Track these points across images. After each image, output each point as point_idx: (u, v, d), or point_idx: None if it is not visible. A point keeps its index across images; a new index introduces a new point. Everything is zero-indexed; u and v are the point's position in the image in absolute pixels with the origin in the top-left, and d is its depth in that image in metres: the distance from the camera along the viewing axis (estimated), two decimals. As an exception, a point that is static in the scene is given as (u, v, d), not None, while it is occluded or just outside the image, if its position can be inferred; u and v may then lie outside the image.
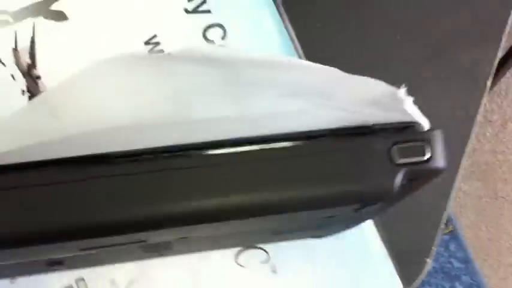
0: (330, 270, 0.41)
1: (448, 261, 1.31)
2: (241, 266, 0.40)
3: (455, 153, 0.42)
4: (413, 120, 0.30)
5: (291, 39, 0.42)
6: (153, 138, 0.29)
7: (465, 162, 0.42)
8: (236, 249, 0.40)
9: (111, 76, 0.32)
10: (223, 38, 0.41)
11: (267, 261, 0.40)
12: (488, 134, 1.34)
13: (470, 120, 0.43)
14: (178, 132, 0.30)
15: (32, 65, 0.39)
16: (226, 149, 0.28)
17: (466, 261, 1.31)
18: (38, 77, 0.39)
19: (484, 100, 0.43)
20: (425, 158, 0.29)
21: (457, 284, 1.30)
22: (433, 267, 1.30)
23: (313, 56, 0.40)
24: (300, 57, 0.42)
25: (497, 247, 1.35)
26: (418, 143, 0.29)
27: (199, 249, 0.39)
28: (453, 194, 0.42)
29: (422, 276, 0.41)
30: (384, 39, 0.44)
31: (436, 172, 0.30)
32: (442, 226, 0.42)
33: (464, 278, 1.30)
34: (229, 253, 0.39)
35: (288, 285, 0.40)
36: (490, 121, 1.34)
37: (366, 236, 0.42)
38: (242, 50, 0.40)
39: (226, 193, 0.28)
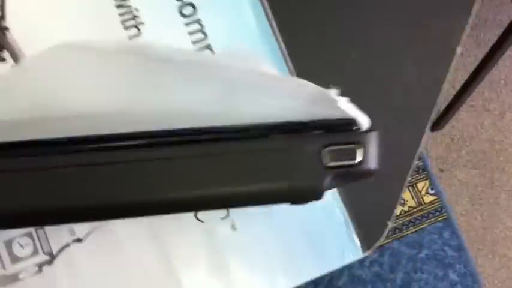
0: (288, 230, 0.41)
1: (441, 248, 1.30)
2: (201, 221, 0.40)
3: (420, 118, 0.42)
4: (350, 118, 0.30)
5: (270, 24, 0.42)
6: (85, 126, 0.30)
7: (430, 134, 0.42)
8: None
9: (62, 62, 0.33)
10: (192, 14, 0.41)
11: (226, 217, 0.40)
12: (486, 123, 1.33)
13: (437, 86, 0.43)
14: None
15: (1, 16, 0.39)
16: (162, 142, 0.29)
17: (460, 249, 1.30)
18: (6, 28, 0.39)
19: (453, 67, 0.43)
20: (356, 161, 0.29)
21: (450, 272, 1.29)
22: (426, 255, 1.30)
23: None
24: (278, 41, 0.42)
25: (492, 237, 1.35)
26: (350, 146, 0.29)
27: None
28: (417, 157, 0.42)
29: (382, 239, 0.41)
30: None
31: (368, 174, 0.29)
32: (405, 187, 0.42)
33: (458, 267, 1.29)
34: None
35: (247, 242, 0.40)
36: (488, 110, 1.33)
37: (326, 198, 0.42)
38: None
39: (155, 187, 0.28)
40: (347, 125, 0.30)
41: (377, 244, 0.41)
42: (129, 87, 0.34)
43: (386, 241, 1.28)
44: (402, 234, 1.29)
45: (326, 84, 0.40)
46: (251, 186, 0.28)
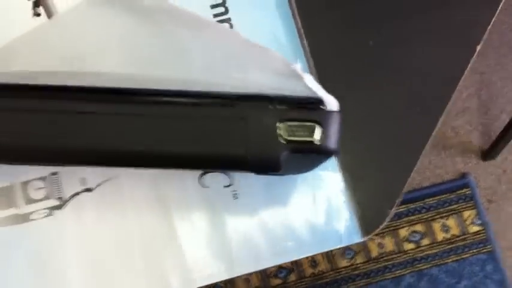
0: (289, 205, 0.42)
1: (482, 282, 1.26)
2: (204, 186, 0.41)
3: (431, 110, 0.43)
4: (315, 97, 0.31)
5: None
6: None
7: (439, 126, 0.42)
8: (200, 171, 0.42)
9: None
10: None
11: (229, 185, 0.42)
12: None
13: (452, 79, 0.43)
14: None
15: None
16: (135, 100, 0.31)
17: (503, 285, 1.26)
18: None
19: (470, 64, 0.43)
20: (315, 139, 0.30)
21: (489, 306, 1.26)
22: (465, 286, 1.26)
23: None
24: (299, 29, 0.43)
25: (538, 275, 1.29)
26: (308, 123, 0.30)
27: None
28: (427, 146, 0.42)
29: (383, 225, 0.42)
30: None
31: (327, 153, 0.30)
32: (409, 177, 0.42)
33: (498, 303, 1.25)
34: (194, 173, 0.41)
35: (247, 211, 0.42)
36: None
37: (328, 179, 0.43)
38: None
39: (123, 141, 0.30)
40: (313, 103, 0.31)
41: (377, 231, 0.42)
42: (144, 47, 0.36)
43: (424, 265, 1.25)
44: (442, 262, 1.26)
45: (342, 73, 0.42)
46: (211, 149, 0.29)
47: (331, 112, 0.30)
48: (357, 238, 0.42)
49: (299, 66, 0.32)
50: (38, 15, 0.42)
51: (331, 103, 0.31)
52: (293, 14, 0.43)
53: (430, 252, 1.24)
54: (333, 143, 0.29)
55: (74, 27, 0.38)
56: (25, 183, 0.41)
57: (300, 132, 0.29)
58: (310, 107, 0.30)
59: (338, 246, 0.42)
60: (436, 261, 1.25)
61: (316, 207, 0.42)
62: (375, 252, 1.23)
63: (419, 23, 0.44)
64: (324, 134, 0.29)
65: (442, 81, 0.43)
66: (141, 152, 0.30)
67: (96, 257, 0.41)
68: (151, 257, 0.41)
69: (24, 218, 0.41)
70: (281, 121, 0.29)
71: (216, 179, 0.42)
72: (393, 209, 0.42)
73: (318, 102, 0.31)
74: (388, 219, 0.42)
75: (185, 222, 0.41)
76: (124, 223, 0.41)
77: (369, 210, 0.42)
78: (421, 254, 1.24)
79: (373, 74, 0.43)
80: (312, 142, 0.29)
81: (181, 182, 0.41)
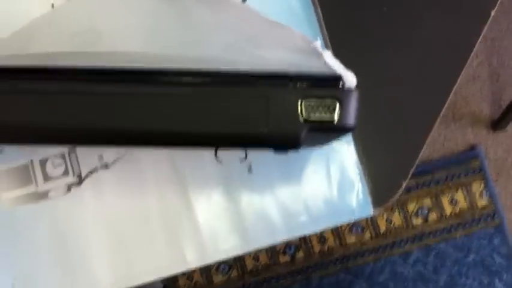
0: (302, 179, 0.43)
1: (490, 255, 1.27)
2: (219, 161, 0.42)
3: (446, 78, 0.43)
4: (335, 74, 0.32)
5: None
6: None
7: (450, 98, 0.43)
8: (216, 146, 0.42)
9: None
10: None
11: (244, 160, 0.42)
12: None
13: (466, 47, 0.43)
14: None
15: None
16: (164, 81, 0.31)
17: (509, 258, 1.27)
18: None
19: (484, 29, 0.43)
20: (334, 117, 0.30)
21: (496, 280, 1.26)
22: (473, 259, 1.27)
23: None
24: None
25: (546, 249, 1.30)
26: (329, 101, 0.30)
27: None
28: (439, 118, 0.42)
29: (395, 198, 0.42)
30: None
31: (345, 130, 0.31)
32: (422, 149, 0.42)
33: (505, 276, 1.26)
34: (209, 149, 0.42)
35: (261, 185, 0.42)
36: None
37: (342, 152, 0.43)
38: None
39: (150, 119, 0.30)
40: (331, 80, 0.31)
41: (389, 203, 0.42)
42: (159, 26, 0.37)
43: (433, 240, 1.26)
44: (450, 236, 1.27)
45: (354, 44, 0.42)
46: (232, 128, 0.30)
47: (350, 90, 0.30)
48: (369, 211, 0.43)
49: (319, 43, 0.32)
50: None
51: (350, 80, 0.31)
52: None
53: (438, 226, 1.25)
54: (352, 120, 0.30)
55: (92, 5, 0.38)
56: (43, 161, 0.42)
57: (320, 110, 0.30)
58: (329, 84, 0.31)
59: (351, 219, 0.43)
60: (444, 235, 1.25)
61: (330, 180, 0.43)
62: (383, 228, 1.23)
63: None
64: (344, 112, 0.30)
65: (454, 50, 0.43)
66: (161, 131, 0.30)
67: (115, 232, 0.41)
68: (169, 232, 0.42)
69: (44, 195, 0.42)
70: (302, 99, 0.29)
71: (231, 153, 0.42)
72: (405, 181, 0.43)
73: (337, 79, 0.31)
74: (400, 191, 0.42)
75: (201, 197, 0.42)
76: (141, 198, 0.42)
77: (381, 182, 0.43)
78: (429, 229, 1.25)
79: (385, 46, 0.43)
80: (332, 120, 0.30)
81: (198, 156, 0.42)
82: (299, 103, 0.29)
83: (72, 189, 0.42)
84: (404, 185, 0.42)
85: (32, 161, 0.42)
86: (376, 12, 0.44)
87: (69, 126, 0.31)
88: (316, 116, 0.29)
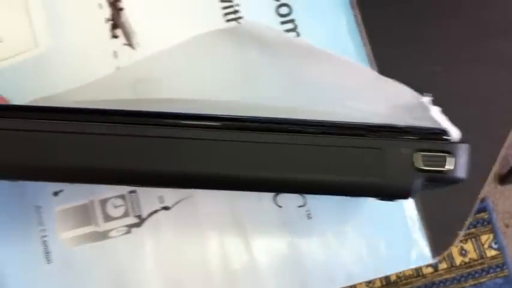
0: (361, 226, 0.43)
1: (499, 305, 1.27)
2: (278, 206, 0.42)
3: (501, 130, 0.43)
4: (441, 128, 0.33)
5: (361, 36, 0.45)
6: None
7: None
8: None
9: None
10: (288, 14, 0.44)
11: (303, 206, 0.42)
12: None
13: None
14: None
15: (118, -4, 0.44)
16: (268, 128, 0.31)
17: (519, 309, 1.27)
18: (121, 9, 0.43)
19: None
20: (447, 168, 0.31)
21: (505, 330, 1.26)
22: (480, 310, 1.27)
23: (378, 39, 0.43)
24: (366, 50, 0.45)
25: (555, 301, 1.30)
26: (442, 154, 0.31)
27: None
28: (494, 169, 0.43)
29: (452, 247, 0.43)
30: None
31: (456, 181, 0.32)
32: (479, 200, 0.43)
33: (514, 326, 1.26)
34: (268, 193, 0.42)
35: (320, 232, 0.42)
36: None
37: (401, 201, 0.43)
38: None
39: (257, 167, 0.31)
40: (438, 134, 0.32)
41: (446, 252, 0.42)
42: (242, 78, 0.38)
43: (442, 290, 1.26)
44: (460, 286, 1.27)
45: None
46: (347, 177, 0.30)
47: (463, 143, 0.31)
48: (427, 259, 0.43)
49: (427, 98, 0.33)
50: (116, 37, 0.43)
51: (455, 133, 0.32)
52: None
53: (448, 276, 1.25)
54: (463, 172, 0.31)
55: (196, 55, 0.39)
56: (104, 201, 0.42)
57: (433, 162, 0.31)
58: (438, 137, 0.32)
59: (407, 268, 0.43)
60: (454, 285, 1.25)
61: (388, 228, 0.43)
62: (393, 277, 1.23)
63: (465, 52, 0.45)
64: (457, 164, 0.30)
65: (506, 109, 0.44)
66: (272, 179, 0.31)
67: (173, 275, 0.41)
68: (228, 277, 0.41)
69: (104, 235, 0.41)
70: (415, 151, 0.30)
71: (289, 199, 0.42)
72: (463, 230, 0.43)
73: (444, 132, 0.32)
74: (458, 240, 0.43)
75: (260, 242, 0.42)
76: (201, 242, 0.41)
77: (439, 231, 0.43)
78: (440, 278, 1.25)
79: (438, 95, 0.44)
80: (443, 171, 0.30)
81: (256, 200, 0.42)
82: (413, 155, 0.30)
83: (133, 230, 0.41)
84: (461, 234, 0.42)
85: (92, 201, 0.42)
86: (431, 68, 0.45)
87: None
88: (430, 167, 0.30)
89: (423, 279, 1.24)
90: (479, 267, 1.27)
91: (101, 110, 0.32)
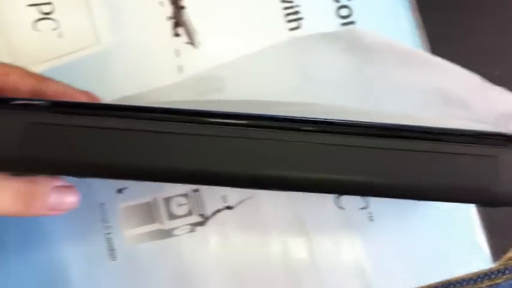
0: (423, 230, 0.43)
1: (514, 308, 1.27)
2: (340, 208, 0.42)
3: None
4: None
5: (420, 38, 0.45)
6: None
7: None
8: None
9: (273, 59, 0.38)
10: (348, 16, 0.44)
11: (365, 208, 0.42)
12: None
13: None
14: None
15: (179, -6, 0.44)
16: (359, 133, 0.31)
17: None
18: (183, 7, 0.43)
19: None
20: None
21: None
22: (498, 310, 1.26)
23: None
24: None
25: None
26: None
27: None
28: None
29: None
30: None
31: None
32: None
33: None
34: (331, 194, 0.42)
35: (382, 235, 0.42)
36: None
37: (462, 206, 0.43)
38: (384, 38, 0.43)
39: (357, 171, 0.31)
40: None
41: (509, 255, 0.42)
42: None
43: (460, 290, 1.25)
44: (477, 287, 1.26)
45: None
46: (459, 184, 0.30)
47: None
48: (487, 264, 0.43)
49: None
50: (178, 35, 0.43)
51: None
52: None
53: (464, 276, 1.24)
54: None
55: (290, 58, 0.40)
56: (167, 199, 0.42)
57: None
58: None
59: (467, 272, 0.43)
60: (470, 285, 1.25)
61: (449, 232, 0.43)
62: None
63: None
64: None
65: None
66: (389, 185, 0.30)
67: (236, 274, 0.41)
68: (291, 276, 0.41)
69: (168, 233, 0.41)
70: None
71: (351, 200, 0.42)
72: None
73: None
74: (518, 245, 0.43)
75: (322, 242, 0.42)
76: (263, 242, 0.42)
77: (498, 235, 0.43)
78: (456, 279, 1.24)
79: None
80: None
81: (319, 202, 0.42)
82: None
83: (197, 229, 0.41)
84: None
85: (155, 199, 0.42)
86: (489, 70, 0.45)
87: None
88: None
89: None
90: (495, 268, 1.26)
91: (183, 110, 0.32)
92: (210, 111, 0.32)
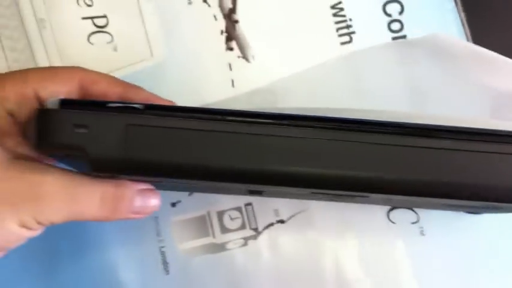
0: (474, 246, 0.43)
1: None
2: (392, 222, 0.42)
3: None
4: None
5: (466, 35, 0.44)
6: None
7: None
8: (389, 207, 0.42)
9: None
10: (400, 13, 0.44)
11: (416, 222, 0.42)
12: None
13: None
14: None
15: (233, 9, 0.43)
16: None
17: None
18: (236, 21, 0.43)
19: None
20: None
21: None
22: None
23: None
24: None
25: None
26: None
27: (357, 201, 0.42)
28: None
29: None
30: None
31: None
32: None
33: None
34: (382, 208, 0.42)
35: (433, 249, 0.42)
36: None
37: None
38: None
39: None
40: None
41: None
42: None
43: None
44: None
45: None
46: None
47: None
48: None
49: None
50: (231, 49, 0.43)
51: None
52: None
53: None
54: None
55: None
56: (221, 213, 0.42)
57: None
58: None
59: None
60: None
61: (497, 246, 0.42)
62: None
63: None
64: None
65: None
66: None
67: (290, 287, 0.41)
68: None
69: (221, 247, 0.42)
70: None
71: (403, 214, 0.42)
72: None
73: None
74: None
75: (373, 255, 0.42)
76: (316, 255, 0.42)
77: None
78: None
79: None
80: None
81: (370, 215, 0.42)
82: None
83: (249, 243, 0.42)
84: None
85: (209, 213, 0.42)
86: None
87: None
88: None
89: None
90: None
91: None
92: (296, 114, 0.31)
